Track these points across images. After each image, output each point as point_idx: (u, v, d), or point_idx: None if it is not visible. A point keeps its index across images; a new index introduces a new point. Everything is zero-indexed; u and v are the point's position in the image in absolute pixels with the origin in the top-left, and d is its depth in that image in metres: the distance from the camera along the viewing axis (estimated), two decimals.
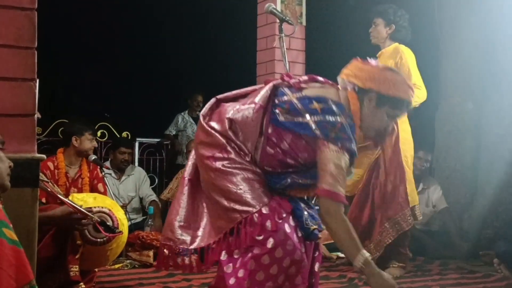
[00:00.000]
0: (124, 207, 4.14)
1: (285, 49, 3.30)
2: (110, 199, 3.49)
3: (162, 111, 7.57)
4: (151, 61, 8.77)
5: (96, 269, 3.28)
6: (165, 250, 2.22)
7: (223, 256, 2.09)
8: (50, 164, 3.92)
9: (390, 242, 3.84)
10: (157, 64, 8.79)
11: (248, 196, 2.09)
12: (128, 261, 4.03)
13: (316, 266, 2.28)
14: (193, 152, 2.30)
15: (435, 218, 5.07)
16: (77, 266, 2.92)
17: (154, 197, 5.33)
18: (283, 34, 3.42)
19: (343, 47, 6.62)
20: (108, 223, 2.99)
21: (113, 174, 5.16)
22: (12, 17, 2.30)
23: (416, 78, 3.97)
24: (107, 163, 5.19)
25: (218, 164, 2.12)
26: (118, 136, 5.93)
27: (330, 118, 2.09)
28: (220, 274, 2.10)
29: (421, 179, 4.92)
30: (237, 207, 2.08)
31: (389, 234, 3.85)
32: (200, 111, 2.99)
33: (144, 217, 5.13)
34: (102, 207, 3.05)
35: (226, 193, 2.10)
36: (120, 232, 3.04)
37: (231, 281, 2.05)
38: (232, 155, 2.13)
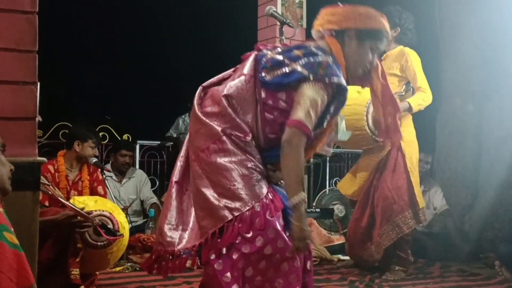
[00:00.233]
0: (125, 209, 4.14)
1: None
2: (111, 202, 3.49)
3: (163, 113, 7.55)
4: (151, 63, 8.76)
5: (97, 272, 3.28)
6: (153, 256, 2.26)
7: (212, 256, 2.09)
8: (50, 167, 3.93)
9: (389, 245, 3.83)
10: (158, 66, 8.79)
11: (242, 193, 2.09)
12: (129, 264, 4.02)
13: (308, 264, 2.28)
14: (181, 154, 2.30)
15: (436, 220, 5.07)
16: (77, 269, 2.92)
17: (155, 199, 5.33)
18: (283, 37, 3.44)
19: None
20: (109, 226, 2.99)
21: (114, 177, 5.16)
22: (13, 20, 2.30)
23: (421, 81, 3.97)
24: (108, 166, 5.19)
25: (214, 158, 2.12)
26: (119, 138, 5.92)
27: (315, 59, 2.13)
28: (210, 272, 2.09)
29: (422, 181, 4.90)
30: (229, 204, 2.08)
31: (388, 236, 3.84)
32: None
33: (145, 220, 5.12)
34: (103, 210, 3.06)
35: (219, 188, 2.10)
36: (121, 235, 3.04)
37: (225, 278, 2.05)
38: (228, 145, 2.13)
